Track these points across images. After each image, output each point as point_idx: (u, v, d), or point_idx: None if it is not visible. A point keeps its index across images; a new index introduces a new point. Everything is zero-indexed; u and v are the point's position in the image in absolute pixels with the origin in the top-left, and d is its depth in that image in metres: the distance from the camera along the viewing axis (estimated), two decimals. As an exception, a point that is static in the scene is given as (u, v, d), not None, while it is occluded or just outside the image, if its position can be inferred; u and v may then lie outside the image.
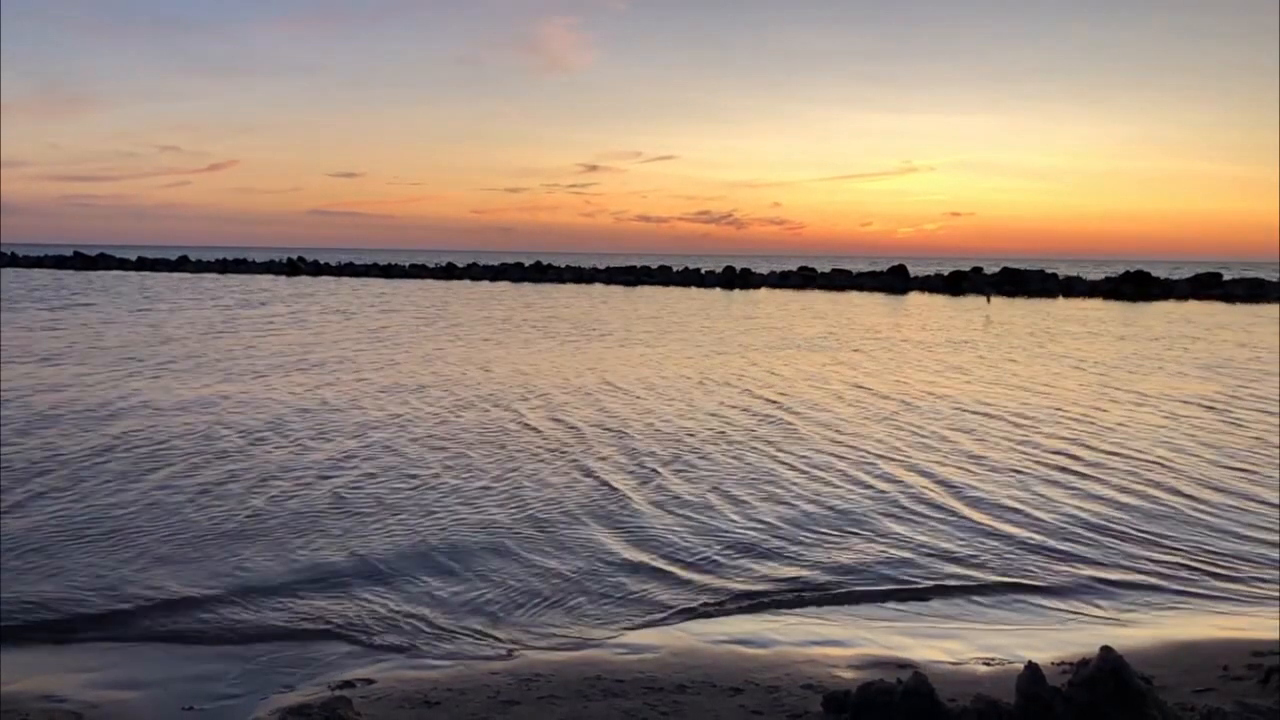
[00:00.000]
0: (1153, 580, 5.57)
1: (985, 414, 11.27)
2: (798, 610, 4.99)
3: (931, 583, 5.46)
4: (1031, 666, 3.69)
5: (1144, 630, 4.80)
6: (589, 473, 7.99)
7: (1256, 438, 9.87)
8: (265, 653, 4.35)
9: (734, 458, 8.62)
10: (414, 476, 7.75)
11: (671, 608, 5.03)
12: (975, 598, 5.24)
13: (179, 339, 18.54)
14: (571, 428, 9.94)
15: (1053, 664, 4.10)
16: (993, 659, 4.36)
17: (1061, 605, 5.15)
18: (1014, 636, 4.70)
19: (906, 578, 5.52)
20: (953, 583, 5.46)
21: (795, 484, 7.70)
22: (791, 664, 4.22)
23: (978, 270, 46.23)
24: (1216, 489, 7.69)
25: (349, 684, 3.95)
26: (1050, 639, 4.66)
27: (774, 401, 11.99)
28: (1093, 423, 10.67)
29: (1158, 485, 7.81)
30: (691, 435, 9.66)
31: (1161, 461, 8.68)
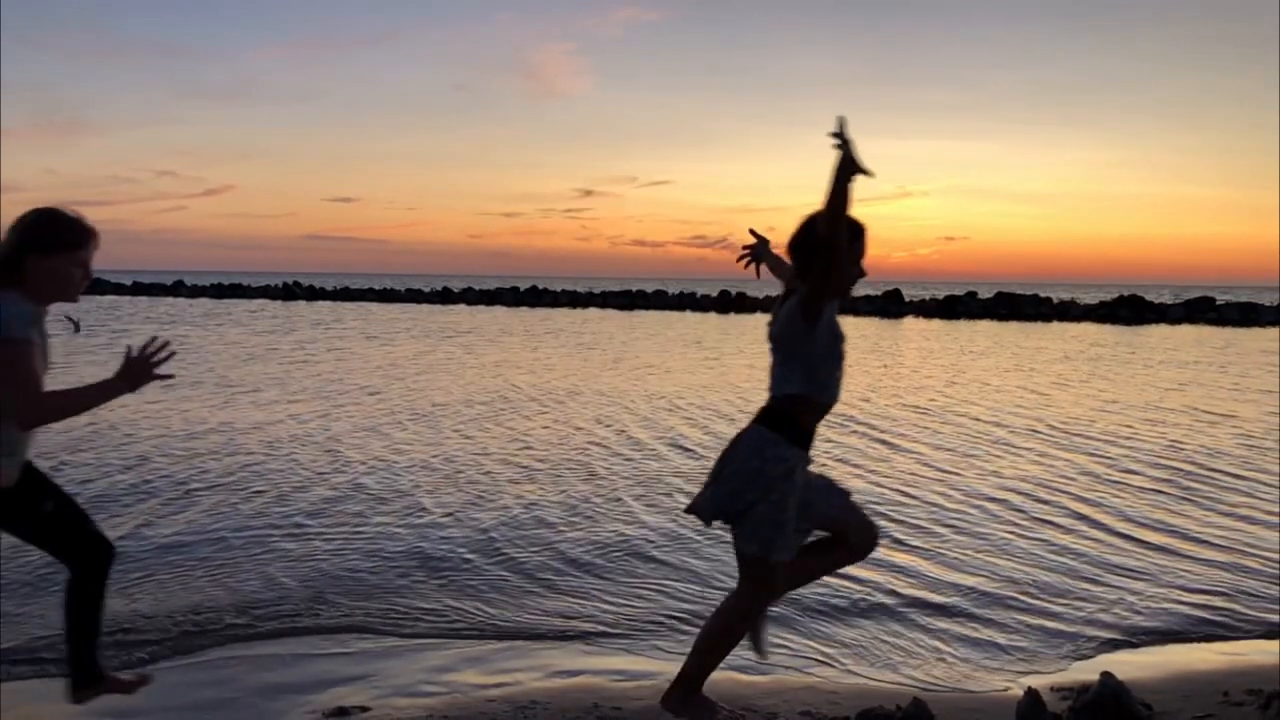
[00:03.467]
0: (1152, 606, 5.54)
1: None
2: (792, 635, 4.95)
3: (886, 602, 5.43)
4: (1031, 693, 3.68)
5: (1143, 657, 4.78)
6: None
7: None
8: (256, 680, 4.31)
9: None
10: (400, 491, 7.73)
11: (673, 630, 5.01)
12: (975, 621, 5.22)
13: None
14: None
15: (1052, 690, 4.07)
16: (988, 683, 4.34)
17: (1058, 630, 5.12)
18: (1010, 662, 4.67)
19: (888, 597, 5.49)
20: (940, 602, 5.44)
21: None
22: (790, 691, 4.19)
23: (972, 295, 46.36)
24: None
25: (343, 710, 3.92)
26: (1049, 665, 4.64)
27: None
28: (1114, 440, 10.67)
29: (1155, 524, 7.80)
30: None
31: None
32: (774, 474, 3.03)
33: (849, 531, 3.24)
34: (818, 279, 2.96)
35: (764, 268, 3.72)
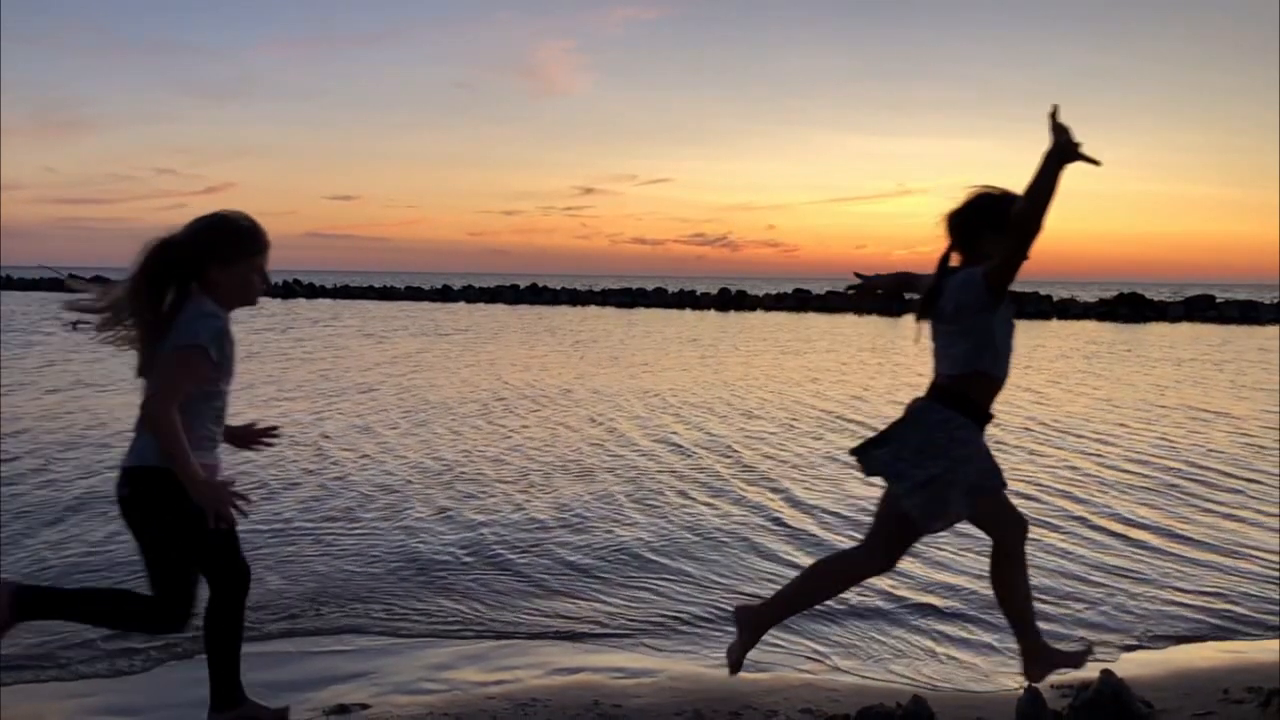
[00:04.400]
0: (1149, 607, 5.55)
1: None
2: (789, 635, 4.96)
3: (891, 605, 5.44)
4: (1031, 690, 3.68)
5: (1144, 655, 4.78)
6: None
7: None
8: (256, 678, 4.30)
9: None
10: (392, 491, 7.73)
11: (671, 630, 5.02)
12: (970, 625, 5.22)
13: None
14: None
15: (1052, 688, 4.07)
16: (991, 683, 4.35)
17: (1055, 631, 5.13)
18: (1007, 662, 4.68)
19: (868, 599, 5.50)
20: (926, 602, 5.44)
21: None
22: (790, 688, 4.20)
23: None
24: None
25: (343, 708, 3.92)
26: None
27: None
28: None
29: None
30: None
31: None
32: (957, 455, 3.08)
33: (994, 513, 3.22)
34: (1012, 255, 2.98)
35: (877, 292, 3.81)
